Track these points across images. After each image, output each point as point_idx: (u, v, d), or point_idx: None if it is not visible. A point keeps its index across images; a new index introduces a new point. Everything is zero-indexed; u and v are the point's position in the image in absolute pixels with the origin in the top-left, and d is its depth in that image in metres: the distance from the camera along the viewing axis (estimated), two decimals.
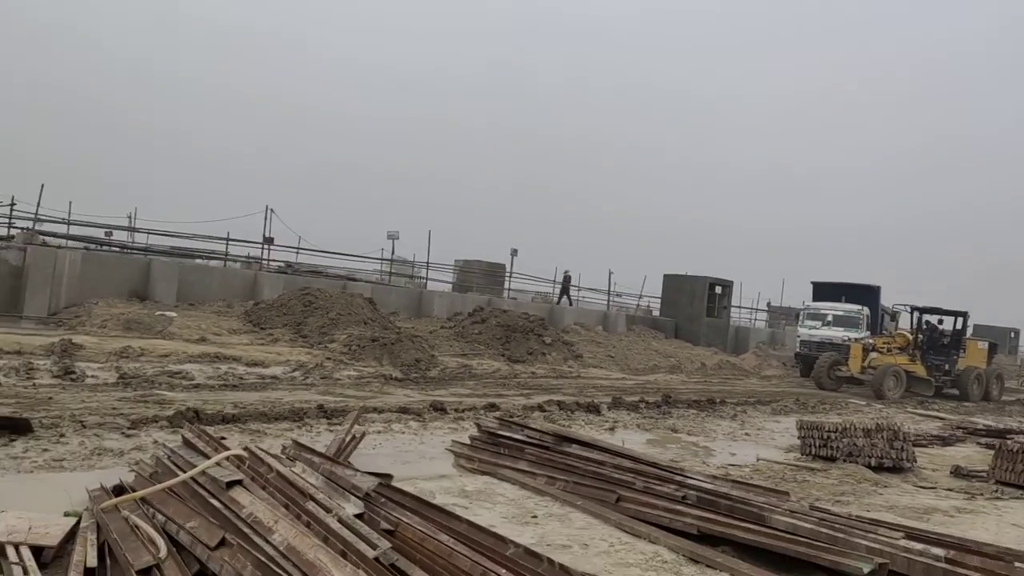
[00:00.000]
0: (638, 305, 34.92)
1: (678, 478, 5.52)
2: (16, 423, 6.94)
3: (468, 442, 7.81)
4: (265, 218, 23.53)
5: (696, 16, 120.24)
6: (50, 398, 9.15)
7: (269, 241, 30.25)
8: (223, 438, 5.97)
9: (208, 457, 5.01)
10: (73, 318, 16.78)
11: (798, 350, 27.36)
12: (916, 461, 9.00)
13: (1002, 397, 24.59)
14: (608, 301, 33.30)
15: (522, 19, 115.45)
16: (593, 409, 12.83)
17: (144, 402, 9.44)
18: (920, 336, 23.13)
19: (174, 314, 17.21)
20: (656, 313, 33.07)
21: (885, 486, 7.84)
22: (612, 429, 10.69)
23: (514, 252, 30.55)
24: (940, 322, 24.11)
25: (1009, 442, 8.07)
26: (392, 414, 9.98)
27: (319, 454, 5.65)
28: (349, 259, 29.65)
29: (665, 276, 32.48)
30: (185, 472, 4.76)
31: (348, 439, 6.57)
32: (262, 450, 5.41)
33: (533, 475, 6.36)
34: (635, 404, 14.03)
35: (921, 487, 8.05)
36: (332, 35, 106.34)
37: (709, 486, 5.31)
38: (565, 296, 31.97)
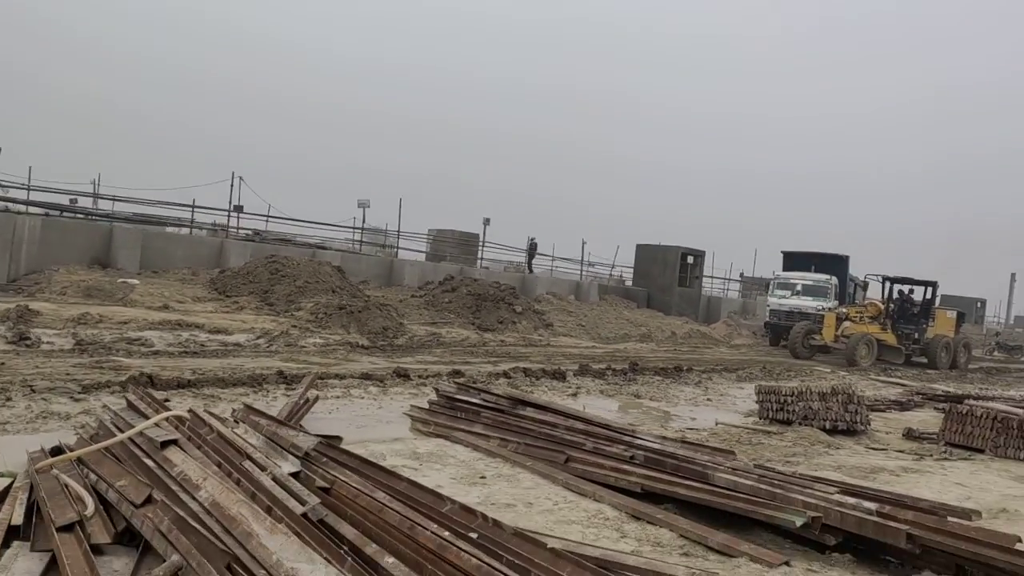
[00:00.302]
0: (611, 275, 34.98)
1: (627, 439, 5.54)
2: None
3: (427, 407, 7.79)
4: (231, 185, 23.16)
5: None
6: (2, 363, 8.98)
7: (238, 209, 29.92)
8: (167, 400, 5.90)
9: (149, 419, 4.93)
10: (33, 285, 16.47)
11: (768, 319, 27.63)
12: (870, 424, 9.13)
13: (968, 365, 25.27)
14: (581, 270, 33.35)
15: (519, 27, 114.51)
16: (559, 376, 12.88)
17: (99, 368, 9.30)
18: (891, 305, 23.68)
19: (136, 281, 16.95)
20: (629, 283, 33.18)
21: (837, 448, 7.94)
22: (575, 395, 10.73)
23: (486, 221, 30.44)
24: (911, 292, 24.70)
25: (960, 405, 8.20)
26: (354, 380, 9.93)
27: (267, 416, 5.59)
28: (320, 227, 29.40)
29: (638, 246, 32.53)
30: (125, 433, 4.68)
31: (301, 403, 6.52)
32: (208, 412, 5.35)
33: (487, 438, 6.36)
34: (601, 371, 14.09)
35: (872, 448, 8.17)
36: (331, 34, 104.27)
37: (656, 446, 5.34)
38: (530, 264, 31.89)
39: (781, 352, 26.35)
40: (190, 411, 5.14)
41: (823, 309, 26.29)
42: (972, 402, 8.44)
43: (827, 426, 8.82)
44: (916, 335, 23.85)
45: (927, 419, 11.19)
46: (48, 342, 10.97)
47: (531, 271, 31.30)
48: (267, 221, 29.24)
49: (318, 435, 5.33)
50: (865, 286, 28.33)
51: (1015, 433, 7.59)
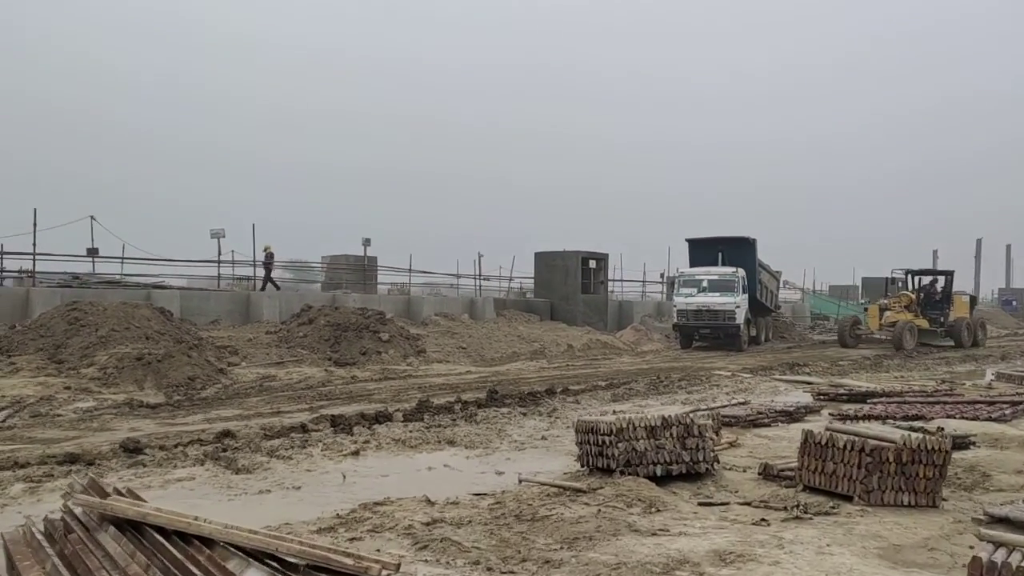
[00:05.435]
0: (509, 288, 32.55)
1: None
2: None
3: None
4: (34, 224, 19.98)
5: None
6: None
7: (92, 252, 26.67)
8: None
9: None
10: None
11: (675, 320, 25.63)
12: (718, 461, 6.84)
13: (986, 341, 28.19)
14: (477, 286, 30.83)
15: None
16: (380, 420, 10.44)
17: None
18: (921, 295, 27.01)
19: None
20: (531, 295, 30.84)
21: (657, 510, 5.61)
22: (357, 453, 8.21)
23: (367, 242, 27.72)
24: (933, 281, 27.99)
25: (815, 431, 5.94)
26: (29, 470, 7.22)
27: None
28: (182, 264, 26.33)
29: (536, 255, 30.15)
30: None
31: None
32: None
33: None
34: (446, 407, 11.69)
35: (708, 504, 5.86)
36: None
37: None
38: (269, 281, 25.49)
39: (692, 355, 24.37)
40: None
41: (732, 305, 24.71)
42: (836, 424, 6.19)
43: (658, 472, 6.51)
44: (941, 319, 26.64)
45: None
46: None
47: (266, 287, 25.10)
48: (122, 263, 26.14)
49: None
50: (894, 280, 29.94)
51: (891, 469, 5.36)
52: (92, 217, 25.28)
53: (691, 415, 6.89)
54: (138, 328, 15.86)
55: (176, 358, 13.89)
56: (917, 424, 7.94)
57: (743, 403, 11.88)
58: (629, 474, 6.50)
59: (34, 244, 18.97)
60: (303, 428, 9.80)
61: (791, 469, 6.29)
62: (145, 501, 4.86)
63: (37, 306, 17.64)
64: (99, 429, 10.08)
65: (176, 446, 8.57)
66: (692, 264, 26.86)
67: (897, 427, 8.25)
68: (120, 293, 19.39)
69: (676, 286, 26.10)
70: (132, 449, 8.26)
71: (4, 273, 20.33)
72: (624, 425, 6.62)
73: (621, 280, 35.58)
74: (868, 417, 9.92)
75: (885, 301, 27.02)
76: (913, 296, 26.63)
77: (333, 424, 10.06)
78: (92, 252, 26.91)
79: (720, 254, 26.29)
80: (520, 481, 6.83)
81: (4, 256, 19.52)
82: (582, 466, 7.10)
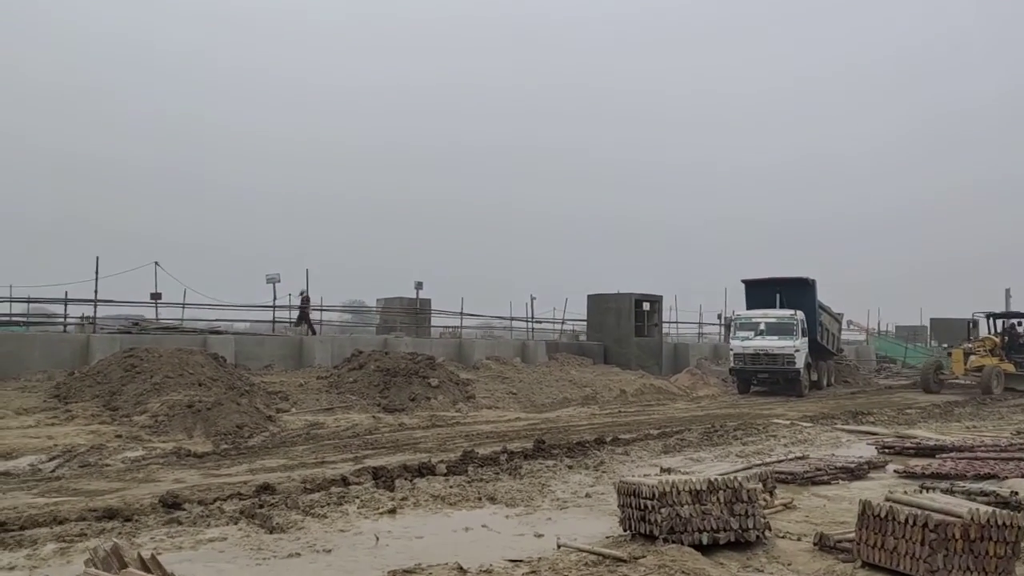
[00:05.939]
0: (561, 331, 32.16)
1: None
2: None
3: None
4: (96, 271, 20.60)
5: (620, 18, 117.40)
6: None
7: (156, 297, 27.48)
8: None
9: None
10: None
11: (732, 365, 24.92)
12: (769, 529, 6.42)
13: None
14: (530, 329, 30.57)
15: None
16: (425, 472, 10.23)
17: None
18: (1006, 338, 26.52)
19: None
20: (584, 338, 30.44)
21: None
22: (393, 511, 8.00)
23: (419, 285, 27.85)
24: (1015, 324, 27.33)
25: (874, 502, 5.49)
26: (66, 526, 7.21)
27: None
28: (240, 310, 26.89)
29: (589, 297, 29.84)
30: None
31: None
32: None
33: None
34: (491, 458, 11.41)
35: None
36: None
37: None
38: (305, 323, 25.92)
39: (749, 401, 23.59)
40: None
41: (791, 348, 23.97)
42: (898, 494, 5.73)
43: (704, 540, 6.13)
44: None
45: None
46: None
47: (313, 331, 25.62)
48: (183, 308, 26.82)
49: None
50: (976, 324, 29.75)
51: (958, 547, 4.89)
52: (156, 263, 26.15)
53: (739, 478, 6.49)
54: (191, 375, 16.10)
55: (225, 406, 14.01)
56: (989, 487, 7.36)
57: (801, 457, 11.30)
58: (673, 542, 6.14)
59: (95, 291, 19.57)
60: (344, 481, 9.65)
61: (850, 540, 5.84)
62: (165, 571, 4.75)
63: (96, 353, 18.10)
64: (144, 480, 10.13)
65: (215, 500, 8.50)
66: (749, 306, 26.22)
67: (967, 489, 7.69)
68: (177, 339, 19.78)
69: (732, 329, 25.45)
70: (171, 504, 8.22)
71: (67, 319, 20.99)
72: (667, 489, 6.27)
73: (676, 322, 34.96)
74: (936, 475, 9.31)
75: (969, 345, 26.66)
76: (997, 340, 26.29)
77: (375, 476, 9.88)
78: (155, 297, 27.77)
79: (778, 296, 25.63)
80: (559, 546, 6.52)
81: (68, 303, 20.13)
82: (624, 530, 6.76)
